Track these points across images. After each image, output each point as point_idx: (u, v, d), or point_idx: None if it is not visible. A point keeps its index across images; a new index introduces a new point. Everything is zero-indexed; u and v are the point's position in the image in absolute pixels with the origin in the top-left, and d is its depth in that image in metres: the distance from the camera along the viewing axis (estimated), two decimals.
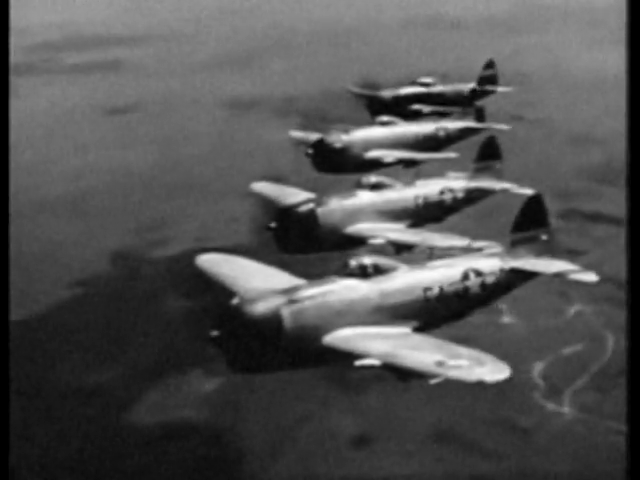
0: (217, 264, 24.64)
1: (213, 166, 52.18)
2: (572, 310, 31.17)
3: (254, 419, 25.68)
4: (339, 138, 37.13)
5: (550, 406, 26.17)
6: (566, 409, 25.63)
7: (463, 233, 27.46)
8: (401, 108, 44.91)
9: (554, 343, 29.55)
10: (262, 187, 33.32)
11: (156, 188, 47.25)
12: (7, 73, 23.99)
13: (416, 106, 45.33)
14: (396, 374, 19.94)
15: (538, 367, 28.15)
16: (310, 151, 36.98)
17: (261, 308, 20.15)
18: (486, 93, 47.68)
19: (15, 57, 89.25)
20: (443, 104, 46.13)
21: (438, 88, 48.01)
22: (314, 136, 38.50)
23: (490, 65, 49.79)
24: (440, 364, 18.73)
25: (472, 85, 49.59)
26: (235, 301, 20.51)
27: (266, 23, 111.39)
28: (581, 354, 29.65)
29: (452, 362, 18.72)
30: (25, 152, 58.51)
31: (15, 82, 78.96)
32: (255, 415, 25.85)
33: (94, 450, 25.52)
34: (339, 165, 36.84)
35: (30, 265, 39.25)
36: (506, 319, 31.12)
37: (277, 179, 37.13)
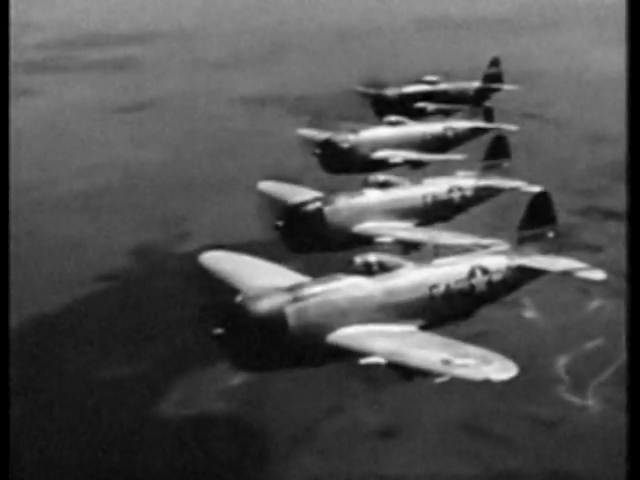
0: (221, 262, 24.47)
1: (228, 163, 52.45)
2: (593, 305, 31.05)
3: (280, 412, 25.87)
4: (346, 138, 37.11)
5: (574, 400, 26.19)
6: (590, 402, 25.69)
7: (473, 232, 27.47)
8: (406, 106, 44.79)
9: (576, 338, 29.61)
10: (269, 186, 33.24)
11: (172, 184, 47.57)
12: (7, 73, 23.90)
13: (421, 104, 45.10)
14: (401, 373, 19.67)
15: (561, 361, 28.32)
16: (317, 151, 36.88)
17: (265, 306, 19.96)
18: (491, 91, 47.34)
19: (28, 54, 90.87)
20: (448, 102, 45.96)
21: (443, 86, 47.95)
22: (322, 135, 38.42)
23: (495, 63, 49.60)
24: (446, 362, 18.48)
25: (477, 83, 49.32)
26: (239, 299, 20.34)
27: (279, 23, 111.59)
28: (603, 348, 29.54)
29: (458, 361, 18.47)
30: (40, 148, 59.03)
31: (28, 79, 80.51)
32: (281, 408, 26.05)
33: (121, 444, 25.62)
34: (346, 165, 36.74)
35: (51, 260, 39.51)
36: (529, 314, 31.29)
37: (292, 176, 37.52)
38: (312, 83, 72.84)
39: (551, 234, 24.88)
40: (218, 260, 24.71)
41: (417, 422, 25.28)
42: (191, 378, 26.85)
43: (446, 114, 44.70)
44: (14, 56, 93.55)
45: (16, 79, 79.87)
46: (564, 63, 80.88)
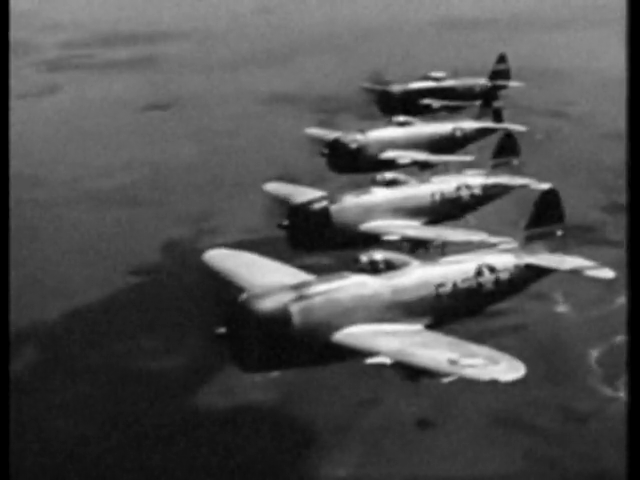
0: (225, 260, 24.27)
1: (253, 159, 52.46)
2: (620, 300, 31.19)
3: (319, 403, 26.00)
4: (355, 138, 36.81)
5: (607, 392, 26.25)
6: (622, 394, 25.74)
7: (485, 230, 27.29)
8: (411, 103, 44.55)
9: (607, 331, 29.68)
10: (275, 187, 33.07)
11: (200, 180, 47.89)
12: (7, 73, 23.82)
13: (426, 101, 44.82)
14: (407, 373, 19.43)
15: (594, 354, 28.41)
16: (325, 151, 36.62)
17: (269, 304, 19.66)
18: (498, 88, 46.94)
19: (50, 54, 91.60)
20: (454, 99, 45.66)
21: (449, 83, 47.35)
22: (330, 135, 38.18)
23: (502, 59, 49.14)
24: (453, 362, 18.17)
25: (483, 80, 48.89)
26: (242, 297, 20.07)
27: (299, 22, 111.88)
28: None
29: (466, 361, 18.16)
30: (66, 145, 59.38)
31: (51, 78, 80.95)
32: (320, 399, 26.18)
33: (163, 434, 25.65)
34: (354, 165, 36.45)
35: (83, 255, 39.78)
36: (560, 308, 31.52)
37: (313, 172, 38.15)
38: (333, 82, 72.79)
39: (559, 232, 24.57)
40: (222, 258, 24.48)
41: (453, 413, 25.49)
42: (229, 370, 26.30)
43: (451, 110, 44.37)
44: (37, 55, 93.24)
45: (39, 77, 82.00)
46: (582, 61, 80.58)
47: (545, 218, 24.50)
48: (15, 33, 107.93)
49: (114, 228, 43.17)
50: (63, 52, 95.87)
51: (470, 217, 32.18)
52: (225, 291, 22.28)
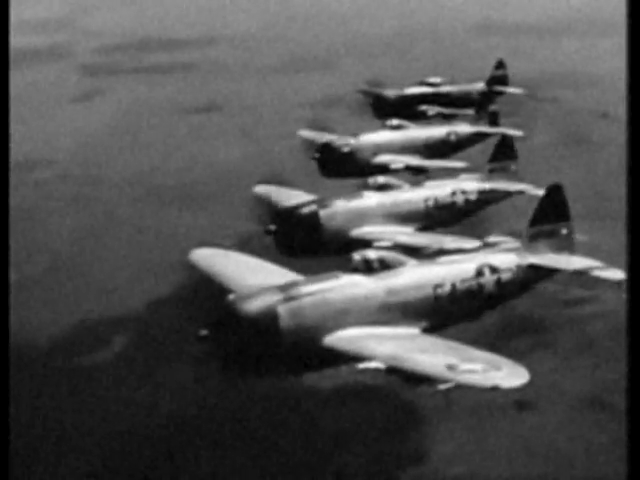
0: (212, 259, 22.82)
1: (303, 160, 53.26)
2: None
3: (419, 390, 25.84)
4: (347, 142, 35.76)
5: None
6: None
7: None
8: (407, 108, 43.58)
9: None
10: (265, 190, 31.77)
11: (254, 179, 48.05)
12: (7, 72, 22.85)
13: (423, 107, 43.88)
14: (403, 379, 17.92)
15: None
16: (316, 155, 35.50)
17: (255, 306, 18.36)
18: (496, 94, 45.98)
19: (90, 58, 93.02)
20: (451, 105, 44.72)
21: (445, 88, 46.56)
22: (323, 137, 37.14)
23: (500, 65, 48.29)
24: (451, 368, 16.84)
25: (481, 84, 47.99)
26: (227, 298, 18.82)
27: (338, 27, 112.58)
28: None
29: (465, 366, 16.85)
30: (121, 146, 59.50)
31: (92, 82, 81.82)
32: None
33: (269, 416, 25.80)
34: (346, 170, 35.27)
35: (146, 251, 39.90)
36: None
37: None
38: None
39: (565, 231, 23.16)
40: (208, 258, 23.02)
41: (550, 395, 25.43)
42: None
43: (447, 117, 43.39)
44: (76, 60, 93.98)
45: (82, 82, 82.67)
46: (619, 66, 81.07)
47: (550, 215, 23.09)
48: (52, 39, 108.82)
49: (178, 224, 43.12)
50: (101, 57, 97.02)
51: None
52: (210, 292, 20.97)
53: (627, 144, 18.32)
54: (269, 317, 18.23)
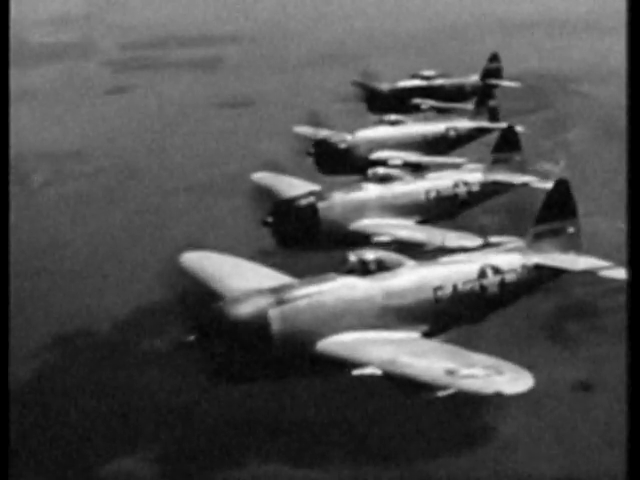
0: (202, 262, 21.90)
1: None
2: None
3: None
4: (343, 138, 35.04)
5: None
6: None
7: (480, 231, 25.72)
8: (400, 102, 43.02)
9: None
10: (264, 177, 30.86)
11: (292, 173, 47.62)
12: (7, 71, 22.15)
13: (416, 100, 43.24)
14: (400, 385, 17.03)
15: None
16: (312, 151, 34.61)
17: (245, 310, 17.47)
18: (490, 87, 44.96)
19: (116, 54, 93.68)
20: (444, 98, 44.19)
21: (439, 81, 45.99)
22: (319, 133, 36.29)
23: (494, 58, 47.50)
24: (450, 373, 15.95)
25: (475, 77, 47.25)
26: (216, 303, 17.98)
27: (365, 23, 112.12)
28: None
29: (465, 371, 15.98)
30: (156, 140, 59.30)
31: (118, 78, 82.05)
32: None
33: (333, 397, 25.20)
34: (342, 167, 34.49)
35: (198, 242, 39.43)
36: None
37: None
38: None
39: (571, 229, 22.17)
40: (199, 261, 22.08)
41: (606, 378, 25.28)
42: None
43: (440, 111, 42.80)
44: (102, 56, 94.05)
45: (111, 77, 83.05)
46: None
47: (556, 213, 22.10)
48: (75, 36, 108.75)
49: (226, 214, 42.70)
50: (128, 54, 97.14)
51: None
52: (200, 296, 20.08)
53: (627, 143, 17.77)
54: (260, 322, 17.35)
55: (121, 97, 74.13)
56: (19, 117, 63.29)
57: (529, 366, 24.93)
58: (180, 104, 69.40)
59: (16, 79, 79.15)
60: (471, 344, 24.22)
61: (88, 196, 46.53)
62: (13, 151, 54.31)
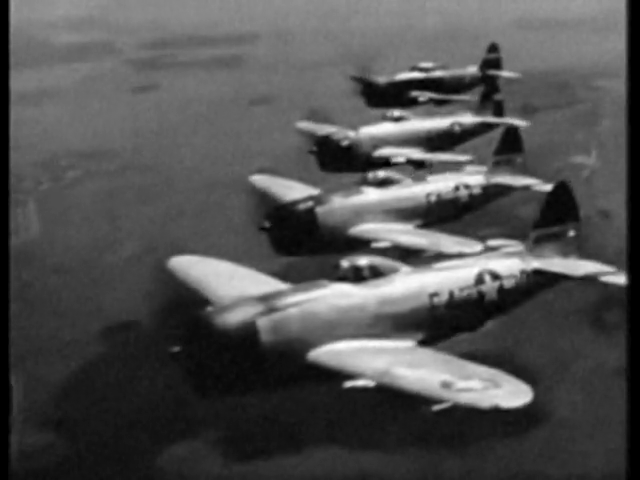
0: (192, 268, 21.36)
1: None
2: None
3: (531, 352, 26.10)
4: (346, 135, 34.47)
5: None
6: None
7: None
8: (398, 95, 42.42)
9: None
10: (262, 180, 30.38)
11: (300, 170, 47.35)
12: (7, 73, 21.96)
13: (414, 93, 42.69)
14: (394, 397, 16.47)
15: None
16: (314, 148, 34.06)
17: (233, 318, 16.92)
18: (489, 78, 44.34)
19: (135, 54, 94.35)
20: (443, 90, 43.70)
21: (437, 74, 45.28)
22: (321, 130, 35.82)
23: (494, 48, 46.92)
24: (446, 386, 15.39)
25: (474, 68, 46.65)
26: (204, 311, 17.35)
27: (381, 23, 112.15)
28: None
29: (461, 384, 15.42)
30: (181, 137, 59.28)
31: (140, 76, 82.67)
32: (531, 349, 26.26)
33: None
34: (345, 164, 33.98)
35: (225, 236, 38.31)
36: None
37: None
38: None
39: (572, 232, 21.50)
40: (188, 266, 21.54)
41: None
42: None
43: (439, 104, 42.33)
44: (122, 56, 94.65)
45: (134, 76, 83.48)
46: None
47: (557, 216, 21.42)
48: (91, 36, 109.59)
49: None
50: (146, 53, 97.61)
51: None
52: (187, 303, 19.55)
53: (627, 143, 17.35)
54: (248, 331, 16.78)
55: (146, 96, 74.59)
56: (48, 116, 64.29)
57: (577, 351, 25.33)
58: (205, 102, 69.65)
59: (41, 79, 78.44)
60: (512, 332, 24.59)
61: (118, 193, 46.68)
62: (46, 149, 53.41)
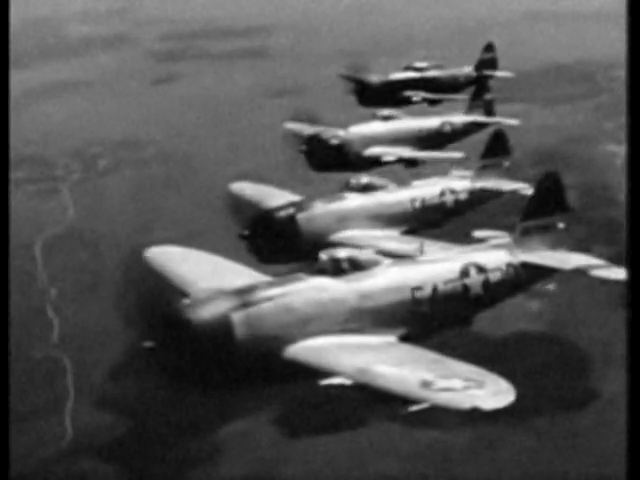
0: (170, 259, 20.54)
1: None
2: None
3: (578, 333, 27.08)
4: (336, 134, 33.96)
5: None
6: None
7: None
8: (391, 94, 41.97)
9: None
10: (242, 188, 29.66)
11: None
12: (7, 68, 21.50)
13: (408, 92, 42.25)
14: (372, 396, 15.54)
15: None
16: (304, 148, 33.50)
17: (207, 313, 16.18)
18: (484, 78, 43.97)
19: (155, 46, 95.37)
20: (438, 90, 43.30)
21: (432, 73, 44.86)
22: (310, 129, 35.22)
23: (489, 48, 46.57)
24: (426, 385, 14.56)
25: (469, 68, 46.31)
26: (177, 305, 16.60)
27: (399, 18, 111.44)
28: None
29: (442, 383, 14.59)
30: (208, 128, 59.72)
31: (161, 68, 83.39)
32: (578, 329, 27.23)
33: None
34: (335, 163, 33.51)
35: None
36: None
37: None
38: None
39: (562, 224, 20.72)
40: (166, 257, 20.70)
41: None
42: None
43: (433, 103, 42.02)
44: (141, 49, 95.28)
45: (156, 68, 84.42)
46: None
47: (545, 207, 20.67)
48: (113, 29, 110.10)
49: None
50: (168, 45, 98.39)
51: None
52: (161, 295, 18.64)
53: (627, 143, 16.96)
54: (222, 326, 16.07)
55: (168, 87, 75.36)
56: (74, 106, 65.05)
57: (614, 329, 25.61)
58: (229, 93, 70.18)
59: (63, 71, 78.63)
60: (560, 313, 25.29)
61: (149, 182, 47.37)
62: (76, 138, 53.98)
